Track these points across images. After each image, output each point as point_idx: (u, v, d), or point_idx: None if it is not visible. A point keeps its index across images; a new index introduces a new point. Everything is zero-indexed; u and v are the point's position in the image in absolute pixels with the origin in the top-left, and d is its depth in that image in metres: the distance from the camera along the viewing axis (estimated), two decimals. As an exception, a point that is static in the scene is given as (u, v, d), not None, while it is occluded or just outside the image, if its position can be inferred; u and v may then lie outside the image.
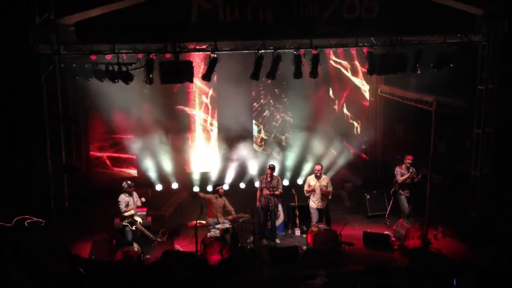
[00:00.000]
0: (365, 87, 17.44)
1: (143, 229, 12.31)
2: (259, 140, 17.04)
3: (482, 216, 13.11)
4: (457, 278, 7.89)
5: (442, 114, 13.23)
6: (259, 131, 17.06)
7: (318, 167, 13.09)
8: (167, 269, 8.19)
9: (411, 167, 13.22)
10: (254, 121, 16.91)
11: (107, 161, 15.76)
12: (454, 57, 12.71)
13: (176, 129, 15.95)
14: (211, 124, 16.41)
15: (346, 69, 17.17)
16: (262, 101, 16.88)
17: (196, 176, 15.83)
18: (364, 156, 17.45)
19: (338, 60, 16.98)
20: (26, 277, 7.36)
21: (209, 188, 15.01)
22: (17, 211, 11.65)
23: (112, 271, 8.67)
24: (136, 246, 11.60)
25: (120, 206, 12.05)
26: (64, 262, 8.82)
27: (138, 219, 12.21)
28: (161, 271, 8.12)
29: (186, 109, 16.16)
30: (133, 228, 12.17)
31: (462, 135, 14.51)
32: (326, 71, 16.13)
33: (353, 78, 17.30)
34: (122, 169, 15.91)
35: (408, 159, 13.25)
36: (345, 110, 17.54)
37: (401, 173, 13.35)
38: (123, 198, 12.08)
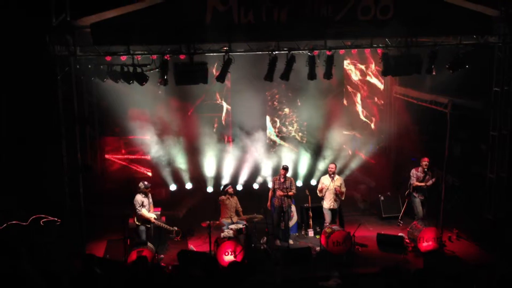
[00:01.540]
0: (379, 88, 17.35)
1: (159, 222, 12.35)
2: (272, 141, 17.02)
3: (497, 219, 13.00)
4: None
5: (457, 116, 13.13)
6: (273, 131, 17.02)
7: (332, 166, 13.06)
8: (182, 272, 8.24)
9: (428, 171, 13.12)
10: (268, 122, 16.88)
11: (122, 162, 15.84)
12: (470, 58, 12.61)
13: (192, 129, 16.00)
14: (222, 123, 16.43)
15: (360, 70, 17.11)
16: (276, 102, 16.86)
17: (210, 177, 15.84)
18: (378, 158, 17.34)
19: (352, 61, 16.93)
20: (41, 276, 7.43)
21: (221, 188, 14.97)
22: (33, 210, 11.79)
23: (126, 270, 8.72)
24: (150, 246, 11.67)
25: (136, 206, 12.12)
26: (78, 262, 8.90)
27: (152, 215, 12.25)
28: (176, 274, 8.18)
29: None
30: (148, 225, 12.22)
31: (477, 137, 14.39)
32: (340, 72, 16.09)
33: (367, 79, 17.22)
34: (137, 169, 15.99)
35: (424, 161, 13.16)
36: (359, 112, 17.46)
37: (417, 176, 13.26)
38: (139, 198, 12.14)
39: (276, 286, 10.88)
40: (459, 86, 13.30)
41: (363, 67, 17.05)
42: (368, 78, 17.20)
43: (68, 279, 7.73)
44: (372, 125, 17.55)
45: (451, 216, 13.31)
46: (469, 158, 14.80)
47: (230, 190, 13.09)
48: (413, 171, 13.36)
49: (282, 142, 16.95)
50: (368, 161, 17.07)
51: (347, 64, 16.93)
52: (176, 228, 12.70)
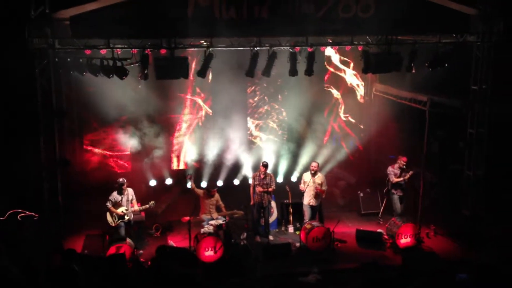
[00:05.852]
0: (360, 86, 17.39)
1: (133, 210, 12.26)
2: (253, 137, 16.98)
3: (474, 215, 13.18)
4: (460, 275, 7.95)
5: (436, 114, 13.27)
6: (254, 128, 16.98)
7: (314, 164, 13.15)
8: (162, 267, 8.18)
9: (405, 168, 13.25)
10: (248, 118, 16.83)
11: (101, 156, 15.65)
12: (449, 57, 12.74)
13: (170, 124, 15.90)
14: (202, 119, 16.31)
15: (341, 69, 17.12)
16: (257, 98, 16.81)
17: (190, 172, 15.74)
18: (358, 155, 17.44)
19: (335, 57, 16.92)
20: (19, 271, 7.35)
21: (203, 184, 14.85)
22: (10, 205, 11.63)
23: (104, 266, 8.65)
24: (129, 241, 11.59)
25: (107, 203, 12.07)
26: (57, 257, 8.81)
27: (121, 209, 12.13)
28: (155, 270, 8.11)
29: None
30: (126, 219, 12.13)
31: (455, 134, 14.55)
32: (321, 69, 16.09)
33: (348, 77, 17.23)
34: (115, 164, 15.83)
35: (402, 161, 13.31)
36: (340, 109, 17.50)
37: (394, 173, 13.43)
38: (113, 196, 12.11)
39: (256, 282, 10.89)
40: (438, 84, 13.44)
41: (345, 64, 17.06)
42: (348, 76, 17.20)
43: (46, 274, 7.65)
44: (353, 126, 17.59)
45: (429, 213, 13.46)
46: (447, 155, 14.97)
47: (212, 193, 13.04)
48: (390, 169, 13.54)
49: (262, 139, 16.91)
50: (348, 157, 17.14)
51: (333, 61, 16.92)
52: (152, 202, 12.49)
